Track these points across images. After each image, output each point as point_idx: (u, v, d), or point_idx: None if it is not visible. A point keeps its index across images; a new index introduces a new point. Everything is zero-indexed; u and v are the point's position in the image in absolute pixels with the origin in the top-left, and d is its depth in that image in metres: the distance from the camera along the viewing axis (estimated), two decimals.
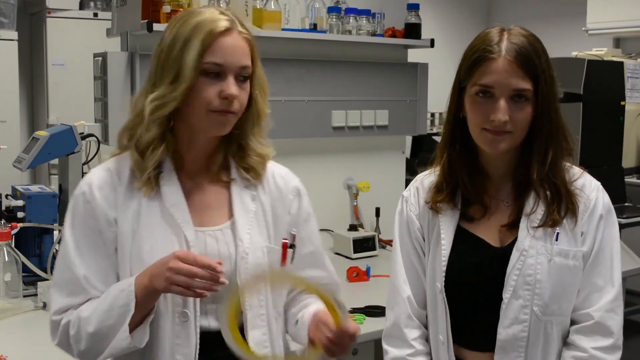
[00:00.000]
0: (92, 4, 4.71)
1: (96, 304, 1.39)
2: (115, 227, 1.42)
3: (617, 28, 5.15)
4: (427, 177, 1.61)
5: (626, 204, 4.12)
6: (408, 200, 1.62)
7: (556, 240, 1.48)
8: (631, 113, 4.43)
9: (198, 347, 1.39)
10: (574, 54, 4.66)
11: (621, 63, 4.40)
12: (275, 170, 1.55)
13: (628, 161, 4.46)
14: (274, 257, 1.48)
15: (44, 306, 2.17)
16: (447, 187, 1.54)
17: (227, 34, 1.39)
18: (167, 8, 2.51)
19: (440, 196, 1.54)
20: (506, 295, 1.47)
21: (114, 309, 1.36)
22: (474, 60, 1.45)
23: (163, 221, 1.42)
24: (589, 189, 1.51)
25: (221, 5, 2.63)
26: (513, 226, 1.50)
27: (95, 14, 4.65)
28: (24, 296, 2.22)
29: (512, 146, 1.47)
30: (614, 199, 1.56)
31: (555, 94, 1.47)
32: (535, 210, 1.48)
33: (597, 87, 4.00)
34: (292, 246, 1.51)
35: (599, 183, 1.54)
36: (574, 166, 1.55)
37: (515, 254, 1.47)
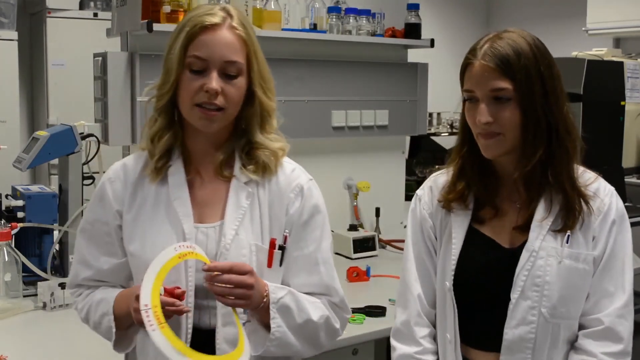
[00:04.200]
0: (92, 4, 4.71)
1: (93, 308, 1.51)
2: (120, 220, 1.48)
3: (617, 28, 5.15)
4: (441, 176, 1.62)
5: (626, 204, 4.11)
6: (422, 199, 1.63)
7: (567, 242, 1.48)
8: (631, 113, 4.42)
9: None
10: (574, 54, 4.66)
11: (621, 63, 4.39)
12: (284, 167, 1.52)
13: (628, 161, 4.45)
14: (262, 257, 1.45)
15: (44, 306, 2.17)
16: (459, 187, 1.55)
17: (213, 29, 1.40)
18: (167, 8, 2.51)
19: (452, 195, 1.55)
20: (514, 295, 1.47)
21: (101, 326, 1.49)
22: (462, 67, 1.49)
23: (165, 213, 1.45)
24: (603, 194, 1.52)
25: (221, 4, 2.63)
26: (524, 228, 1.50)
27: (95, 14, 4.65)
28: (24, 296, 2.22)
29: (506, 148, 1.46)
30: None
31: (549, 93, 1.44)
32: (548, 213, 1.48)
33: (597, 87, 3.98)
34: (282, 247, 1.46)
35: (612, 188, 1.54)
36: (588, 170, 1.55)
37: (525, 255, 1.48)
